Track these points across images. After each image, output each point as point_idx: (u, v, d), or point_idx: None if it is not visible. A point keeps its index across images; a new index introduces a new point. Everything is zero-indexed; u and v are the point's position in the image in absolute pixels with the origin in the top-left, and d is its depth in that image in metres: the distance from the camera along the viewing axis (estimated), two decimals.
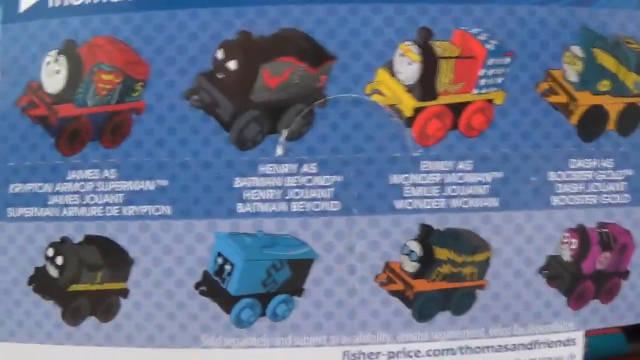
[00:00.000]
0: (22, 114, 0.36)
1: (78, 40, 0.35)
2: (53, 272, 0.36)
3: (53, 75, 0.35)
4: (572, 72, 0.36)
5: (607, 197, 0.36)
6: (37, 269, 0.36)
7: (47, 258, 0.36)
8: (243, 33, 0.35)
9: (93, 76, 0.35)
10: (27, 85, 0.36)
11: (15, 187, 0.36)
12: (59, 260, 0.35)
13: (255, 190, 0.35)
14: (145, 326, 0.35)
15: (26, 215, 0.36)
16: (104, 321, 0.36)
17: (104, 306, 0.36)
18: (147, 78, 0.35)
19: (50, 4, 0.36)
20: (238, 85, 0.35)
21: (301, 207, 0.35)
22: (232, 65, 0.35)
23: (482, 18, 0.35)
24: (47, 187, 0.35)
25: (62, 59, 0.35)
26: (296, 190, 0.35)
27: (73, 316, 0.36)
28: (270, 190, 0.35)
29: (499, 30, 0.35)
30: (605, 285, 0.37)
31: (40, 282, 0.36)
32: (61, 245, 0.35)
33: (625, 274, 0.37)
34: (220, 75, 0.35)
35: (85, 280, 0.36)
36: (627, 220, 0.37)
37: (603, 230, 0.36)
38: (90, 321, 0.36)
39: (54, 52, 0.35)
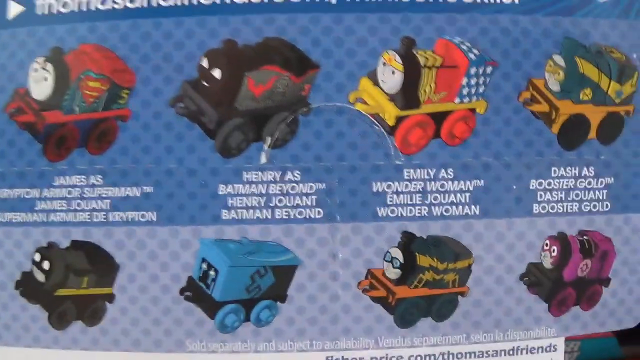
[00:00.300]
0: (9, 120, 0.36)
1: (65, 47, 0.36)
2: (39, 276, 0.36)
3: (40, 82, 0.36)
4: (553, 81, 0.36)
5: (588, 205, 0.37)
6: (24, 274, 0.36)
7: (34, 263, 0.36)
8: (228, 42, 0.35)
9: (80, 83, 0.36)
10: (14, 91, 0.36)
11: (3, 192, 0.36)
12: (46, 265, 0.36)
13: (239, 197, 0.35)
14: (131, 331, 0.36)
15: (13, 220, 0.36)
16: (90, 325, 0.36)
17: (90, 311, 0.36)
18: (133, 85, 0.35)
19: (38, 12, 0.36)
20: (222, 94, 0.35)
21: (284, 214, 0.35)
22: (216, 73, 0.35)
23: (465, 27, 0.36)
24: (34, 193, 0.36)
25: (49, 66, 0.35)
26: (280, 197, 0.35)
27: (59, 320, 0.36)
28: (254, 197, 0.35)
29: (481, 39, 0.36)
30: (587, 292, 0.37)
31: (27, 286, 0.36)
32: (48, 250, 0.36)
33: (606, 281, 0.37)
34: (205, 84, 0.35)
35: (71, 285, 0.36)
36: (607, 228, 0.37)
37: (584, 237, 0.37)
38: (77, 325, 0.36)
39: (41, 59, 0.36)
